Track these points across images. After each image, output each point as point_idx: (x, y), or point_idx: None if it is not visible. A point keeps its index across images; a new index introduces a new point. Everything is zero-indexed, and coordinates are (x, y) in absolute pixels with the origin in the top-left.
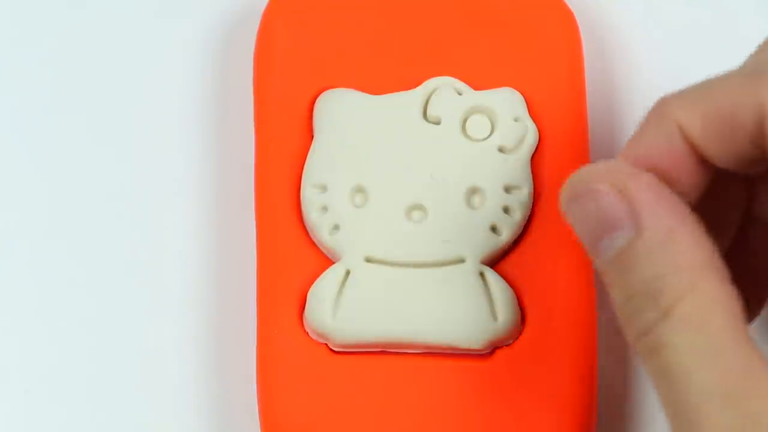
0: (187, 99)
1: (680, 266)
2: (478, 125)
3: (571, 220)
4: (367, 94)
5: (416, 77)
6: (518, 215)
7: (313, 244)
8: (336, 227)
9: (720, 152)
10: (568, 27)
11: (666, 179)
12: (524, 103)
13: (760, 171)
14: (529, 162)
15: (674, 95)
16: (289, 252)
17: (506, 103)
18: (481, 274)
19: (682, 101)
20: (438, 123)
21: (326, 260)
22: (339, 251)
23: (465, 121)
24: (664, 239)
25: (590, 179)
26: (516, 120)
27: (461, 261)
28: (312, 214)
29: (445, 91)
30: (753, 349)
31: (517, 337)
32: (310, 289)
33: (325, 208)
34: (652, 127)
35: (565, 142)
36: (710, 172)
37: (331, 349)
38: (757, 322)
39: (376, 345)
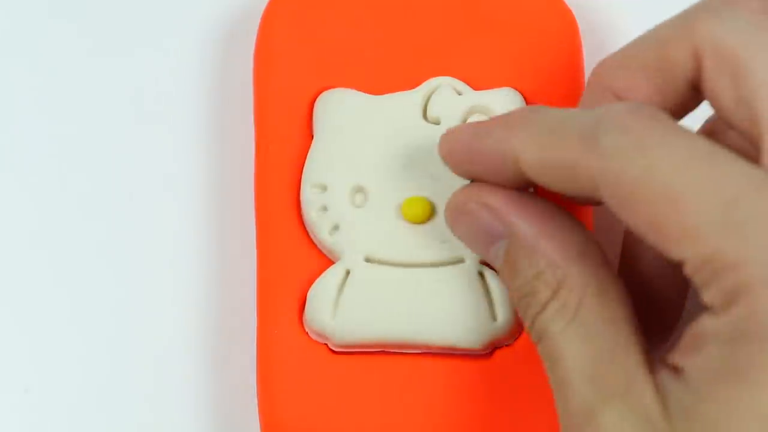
0: (187, 99)
1: (554, 261)
2: None
3: (462, 239)
4: (367, 94)
5: (416, 77)
6: None
7: (313, 244)
8: (335, 227)
9: (659, 104)
10: (568, 27)
11: None
12: (524, 103)
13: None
14: None
15: (606, 61)
16: (289, 252)
17: (506, 103)
18: (481, 274)
19: (614, 66)
20: (438, 123)
21: (326, 260)
22: (338, 251)
23: (465, 121)
24: (535, 240)
25: (462, 200)
26: None
27: (461, 261)
28: (312, 214)
29: (445, 91)
30: (620, 329)
31: (517, 337)
32: (310, 289)
33: (324, 208)
34: (590, 100)
35: None
36: None
37: (331, 349)
38: None
39: (376, 345)
